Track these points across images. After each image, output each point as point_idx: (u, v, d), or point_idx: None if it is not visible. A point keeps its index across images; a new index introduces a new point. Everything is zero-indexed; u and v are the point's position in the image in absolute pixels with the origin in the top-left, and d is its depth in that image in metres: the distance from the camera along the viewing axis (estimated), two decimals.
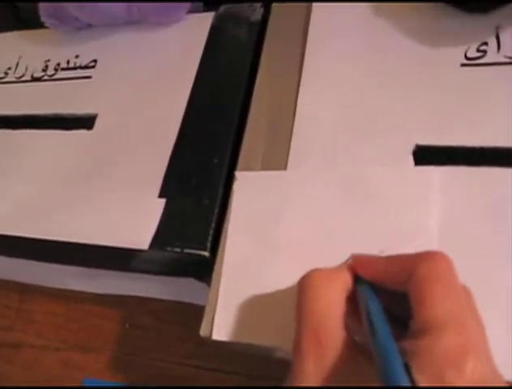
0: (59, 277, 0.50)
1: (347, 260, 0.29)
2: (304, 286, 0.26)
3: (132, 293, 0.49)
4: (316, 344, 0.24)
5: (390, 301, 0.26)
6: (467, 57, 0.37)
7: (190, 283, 0.42)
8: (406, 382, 0.20)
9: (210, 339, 0.33)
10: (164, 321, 0.49)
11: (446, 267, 0.24)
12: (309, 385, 0.23)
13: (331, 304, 0.25)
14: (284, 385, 0.25)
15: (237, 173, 0.38)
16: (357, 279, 0.27)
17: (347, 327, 0.25)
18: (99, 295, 0.50)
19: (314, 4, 0.43)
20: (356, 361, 0.24)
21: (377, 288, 0.26)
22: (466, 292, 0.25)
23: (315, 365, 0.23)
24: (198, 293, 0.43)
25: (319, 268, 0.27)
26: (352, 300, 0.26)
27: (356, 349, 0.24)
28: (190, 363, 0.46)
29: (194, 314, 0.46)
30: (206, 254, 0.36)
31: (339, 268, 0.27)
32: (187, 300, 0.47)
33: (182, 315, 0.48)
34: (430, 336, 0.22)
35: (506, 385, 0.24)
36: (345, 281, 0.27)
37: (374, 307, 0.25)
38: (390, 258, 0.27)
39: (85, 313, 0.51)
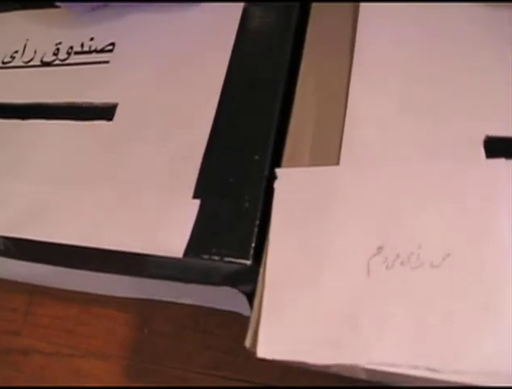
0: (74, 279, 0.46)
1: None
2: None
3: (150, 297, 0.46)
4: None
5: None
6: None
7: (222, 289, 0.38)
8: None
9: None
10: (185, 327, 0.45)
11: None
12: None
13: None
14: None
15: (278, 170, 0.34)
16: None
17: None
18: (111, 297, 0.47)
19: None
20: None
21: None
22: None
23: None
24: (226, 299, 0.40)
25: None
26: None
27: None
28: (214, 373, 0.43)
29: (218, 320, 0.44)
30: (249, 262, 0.32)
31: None
32: (211, 305, 0.44)
33: (205, 321, 0.44)
34: None
35: None
36: None
37: None
38: None
39: (98, 317, 0.48)
